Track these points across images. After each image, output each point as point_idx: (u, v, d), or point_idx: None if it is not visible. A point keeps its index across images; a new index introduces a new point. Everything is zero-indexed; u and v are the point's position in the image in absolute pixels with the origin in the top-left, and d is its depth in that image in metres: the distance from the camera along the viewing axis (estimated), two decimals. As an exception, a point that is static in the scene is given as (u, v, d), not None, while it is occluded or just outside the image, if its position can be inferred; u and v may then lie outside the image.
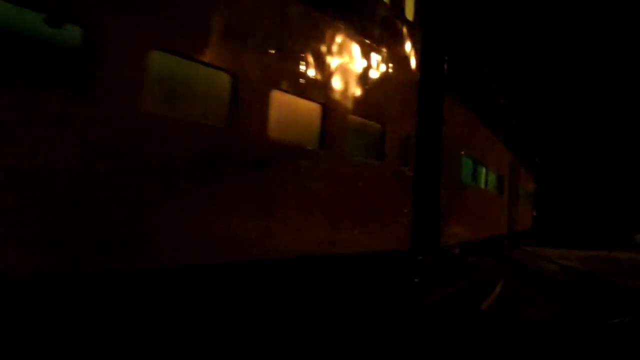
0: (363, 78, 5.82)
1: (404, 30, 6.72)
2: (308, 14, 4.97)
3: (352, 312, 5.79)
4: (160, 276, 3.67)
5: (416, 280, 7.27)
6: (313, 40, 5.04)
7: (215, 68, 4.01)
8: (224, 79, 4.09)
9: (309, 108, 5.08)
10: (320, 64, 5.12)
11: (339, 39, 5.38)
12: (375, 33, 6.05)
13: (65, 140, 3.11)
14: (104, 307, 3.46)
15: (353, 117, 5.66)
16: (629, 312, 8.10)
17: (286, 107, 4.80)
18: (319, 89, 5.12)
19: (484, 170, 11.35)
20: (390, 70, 6.34)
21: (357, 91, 5.70)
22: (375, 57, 6.02)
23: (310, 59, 4.98)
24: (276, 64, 4.57)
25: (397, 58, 6.55)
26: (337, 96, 5.37)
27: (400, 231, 6.63)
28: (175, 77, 3.89)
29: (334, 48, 5.33)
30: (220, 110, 4.11)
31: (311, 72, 4.99)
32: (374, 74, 6.03)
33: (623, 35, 36.17)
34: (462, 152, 9.23)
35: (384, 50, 6.20)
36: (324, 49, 5.17)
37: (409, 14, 6.91)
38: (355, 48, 5.68)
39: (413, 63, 6.99)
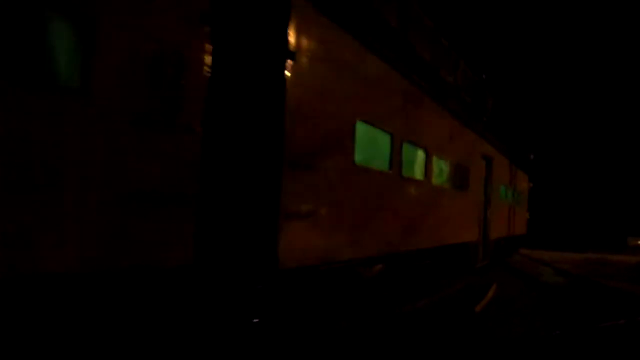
0: None
1: None
2: None
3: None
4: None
5: (255, 320, 4.08)
6: None
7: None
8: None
9: None
10: None
11: None
12: None
13: None
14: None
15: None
16: (623, 314, 7.91)
17: None
18: None
19: (420, 154, 7.94)
20: None
21: None
22: None
23: None
24: None
25: None
26: None
27: (165, 233, 3.34)
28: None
29: None
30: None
31: None
32: None
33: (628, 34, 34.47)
34: (358, 118, 5.74)
35: None
36: None
37: None
38: None
39: None
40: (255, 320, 4.05)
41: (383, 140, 6.51)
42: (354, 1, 5.53)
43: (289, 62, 4.16)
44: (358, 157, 5.67)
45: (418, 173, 7.90)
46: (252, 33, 3.92)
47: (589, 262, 18.16)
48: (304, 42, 4.45)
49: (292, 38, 4.25)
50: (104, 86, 2.90)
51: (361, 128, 5.73)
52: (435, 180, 8.68)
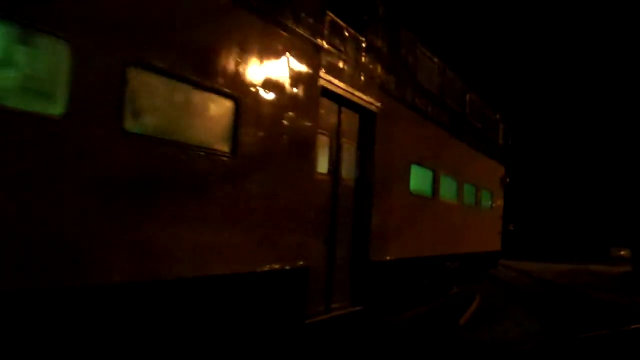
0: None
1: None
2: None
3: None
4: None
5: None
6: None
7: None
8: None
9: None
10: None
11: None
12: None
13: None
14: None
15: None
16: (606, 324, 7.40)
17: None
18: None
19: None
20: None
21: None
22: None
23: None
24: None
25: None
26: None
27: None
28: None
29: None
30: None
31: None
32: None
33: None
34: None
35: None
36: None
37: None
38: None
39: None
40: None
41: None
42: None
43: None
44: None
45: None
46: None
47: (573, 273, 17.03)
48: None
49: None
50: None
51: None
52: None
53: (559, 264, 21.30)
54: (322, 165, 5.61)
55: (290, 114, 4.71)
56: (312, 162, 5.12)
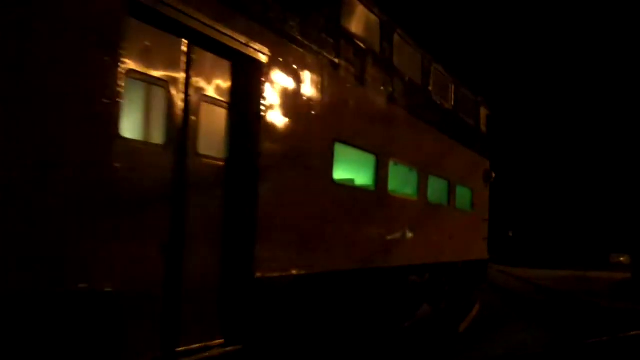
0: None
1: None
2: None
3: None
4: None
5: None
6: None
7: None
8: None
9: None
10: None
11: None
12: None
13: None
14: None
15: None
16: (607, 331, 7.18)
17: None
18: None
19: None
20: None
21: None
22: None
23: None
24: None
25: None
26: None
27: None
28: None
29: None
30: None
31: None
32: None
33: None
34: None
35: None
36: None
37: None
38: None
39: None
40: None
41: None
42: None
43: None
44: None
45: None
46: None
47: (572, 279, 16.77)
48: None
49: None
50: None
51: None
52: None
53: (558, 270, 20.98)
54: (152, 130, 3.57)
55: (37, 24, 2.66)
56: (109, 118, 3.05)
